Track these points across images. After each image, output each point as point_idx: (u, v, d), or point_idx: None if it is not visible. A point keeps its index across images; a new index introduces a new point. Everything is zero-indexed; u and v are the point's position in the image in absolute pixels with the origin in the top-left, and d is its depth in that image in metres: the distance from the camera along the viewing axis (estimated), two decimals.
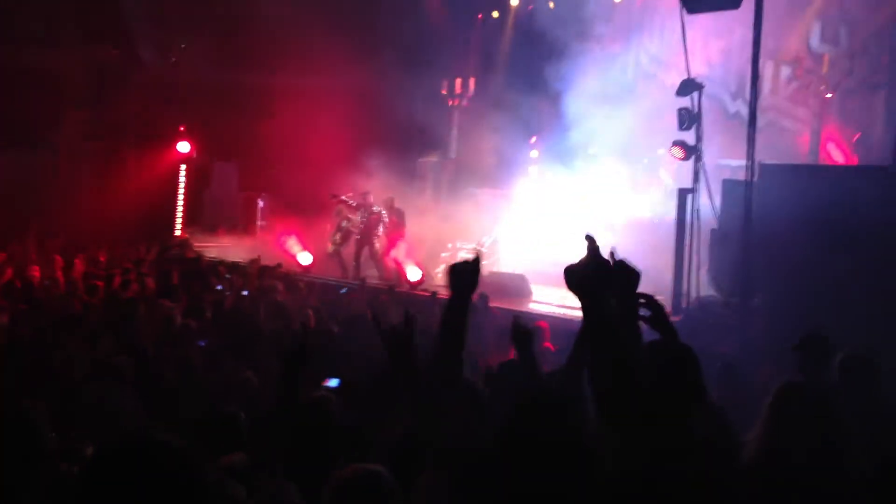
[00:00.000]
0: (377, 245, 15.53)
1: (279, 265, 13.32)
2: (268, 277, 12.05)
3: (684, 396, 2.98)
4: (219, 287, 11.16)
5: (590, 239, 2.63)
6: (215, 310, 9.18)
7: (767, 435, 3.16)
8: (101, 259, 14.05)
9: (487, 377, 5.01)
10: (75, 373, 5.93)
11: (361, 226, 15.68)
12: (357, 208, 15.79)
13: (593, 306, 2.52)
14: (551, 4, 18.57)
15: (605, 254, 2.66)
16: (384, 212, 15.59)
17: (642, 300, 3.22)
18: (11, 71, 18.77)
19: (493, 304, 10.97)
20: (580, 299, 2.55)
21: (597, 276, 2.56)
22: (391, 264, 15.16)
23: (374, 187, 16.39)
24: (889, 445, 3.72)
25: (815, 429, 3.05)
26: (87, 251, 14.37)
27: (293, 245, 16.17)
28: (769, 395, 3.36)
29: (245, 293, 10.66)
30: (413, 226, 15.57)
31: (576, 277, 2.56)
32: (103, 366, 5.77)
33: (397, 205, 15.73)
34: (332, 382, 5.42)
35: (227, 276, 12.22)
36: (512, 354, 9.60)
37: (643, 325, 3.23)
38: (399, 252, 15.08)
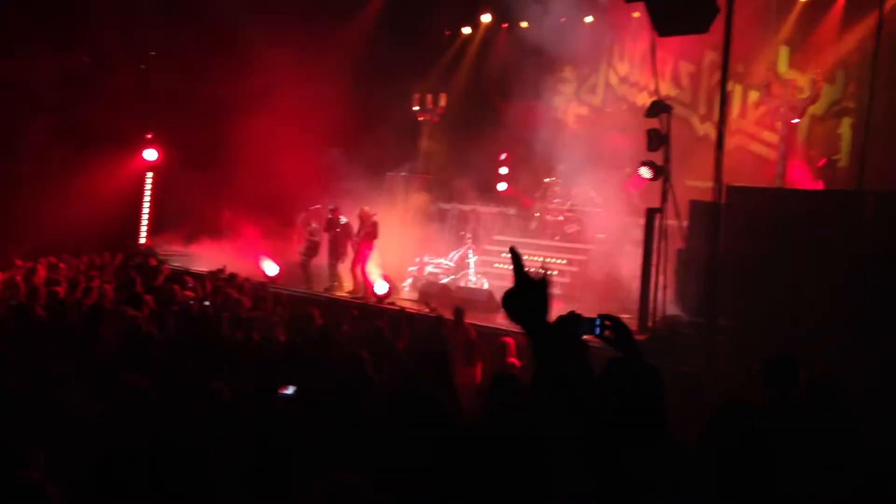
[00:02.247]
0: (347, 258, 15.50)
1: (244, 277, 13.19)
2: (232, 288, 11.93)
3: (647, 416, 2.96)
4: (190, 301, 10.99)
5: (513, 252, 2.47)
6: (179, 319, 9.06)
7: (701, 450, 3.13)
8: (62, 266, 13.81)
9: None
10: (34, 379, 5.79)
11: (333, 239, 15.70)
12: (328, 227, 15.79)
13: (530, 334, 2.40)
14: (523, 24, 18.66)
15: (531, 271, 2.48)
16: (352, 224, 15.57)
17: (607, 322, 3.20)
18: None
19: None
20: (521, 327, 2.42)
21: (528, 301, 2.42)
22: (359, 277, 15.10)
23: (343, 201, 16.34)
24: (853, 464, 3.74)
25: (742, 447, 3.02)
26: (49, 257, 14.12)
27: (264, 260, 16.09)
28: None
29: (207, 304, 10.53)
30: (381, 239, 15.50)
31: (510, 305, 2.42)
32: (61, 372, 5.65)
33: (375, 219, 15.49)
34: (289, 390, 5.30)
35: (191, 285, 12.07)
36: (479, 369, 9.61)
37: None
38: (366, 265, 15.03)
